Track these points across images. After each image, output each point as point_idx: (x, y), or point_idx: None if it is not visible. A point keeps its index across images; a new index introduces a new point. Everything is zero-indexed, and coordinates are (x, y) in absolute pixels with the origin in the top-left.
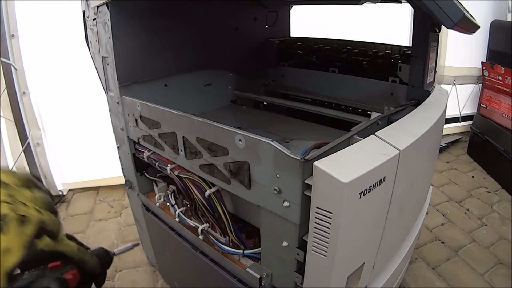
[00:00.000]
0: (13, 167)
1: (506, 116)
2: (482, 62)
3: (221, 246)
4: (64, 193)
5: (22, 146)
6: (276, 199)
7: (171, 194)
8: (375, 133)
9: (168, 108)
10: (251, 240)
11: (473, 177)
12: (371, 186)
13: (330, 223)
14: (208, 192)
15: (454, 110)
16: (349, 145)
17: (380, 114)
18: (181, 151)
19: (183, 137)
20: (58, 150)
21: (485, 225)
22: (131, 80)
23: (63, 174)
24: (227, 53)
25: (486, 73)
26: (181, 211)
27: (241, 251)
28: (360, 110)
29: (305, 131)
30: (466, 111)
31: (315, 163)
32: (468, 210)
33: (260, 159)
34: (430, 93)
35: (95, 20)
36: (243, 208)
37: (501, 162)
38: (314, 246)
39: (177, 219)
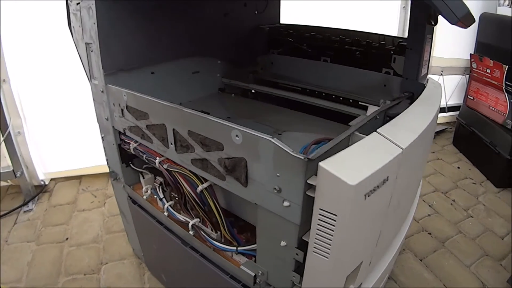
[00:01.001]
0: None
1: (493, 108)
2: (470, 54)
3: (214, 243)
4: (46, 183)
5: (3, 135)
6: (275, 198)
7: (159, 187)
8: (377, 130)
9: (156, 98)
10: (243, 234)
11: (458, 168)
12: (375, 187)
13: (334, 225)
14: (200, 187)
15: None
16: (350, 142)
17: (377, 107)
18: (171, 144)
19: (174, 129)
20: (39, 139)
21: (471, 216)
22: (116, 68)
23: (45, 163)
24: (216, 40)
25: (474, 65)
26: (169, 205)
27: (235, 248)
28: (351, 101)
29: (297, 122)
30: (452, 102)
31: (320, 163)
32: (454, 201)
33: (258, 156)
34: (425, 86)
35: (78, 5)
36: (236, 203)
37: (487, 154)
38: (316, 248)
39: (165, 213)
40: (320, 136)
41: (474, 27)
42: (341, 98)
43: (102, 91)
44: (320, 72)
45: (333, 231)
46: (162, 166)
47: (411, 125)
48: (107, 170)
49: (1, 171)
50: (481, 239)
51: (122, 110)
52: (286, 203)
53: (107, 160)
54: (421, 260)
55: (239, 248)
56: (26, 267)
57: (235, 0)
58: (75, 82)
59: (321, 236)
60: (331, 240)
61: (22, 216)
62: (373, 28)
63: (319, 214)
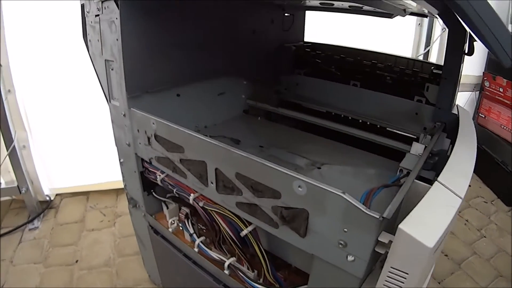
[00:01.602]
0: None
1: (504, 127)
2: (483, 72)
3: (254, 285)
4: (52, 198)
5: (7, 149)
6: (338, 252)
7: (188, 222)
8: (438, 179)
9: (192, 131)
10: (279, 272)
11: (469, 185)
12: (440, 241)
13: (403, 283)
14: (245, 231)
15: None
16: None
17: (422, 145)
18: (212, 183)
19: (216, 169)
20: (45, 153)
21: (484, 236)
22: (141, 90)
23: (51, 178)
24: (243, 59)
25: (487, 84)
26: (201, 241)
27: None
28: (386, 130)
29: (333, 153)
30: None
31: (400, 226)
32: (467, 221)
33: (324, 210)
34: (457, 116)
35: (97, 17)
36: (282, 247)
37: (498, 172)
38: None
39: (196, 249)
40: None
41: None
42: (378, 126)
43: (124, 115)
44: (348, 97)
45: (401, 287)
46: (198, 203)
47: (463, 169)
48: (115, 186)
49: (5, 186)
50: (495, 260)
51: (149, 138)
52: (350, 258)
53: (125, 185)
54: (439, 283)
55: None
56: None
57: (264, 16)
58: (84, 94)
59: None
60: None
61: (28, 234)
62: (388, 45)
63: (389, 272)
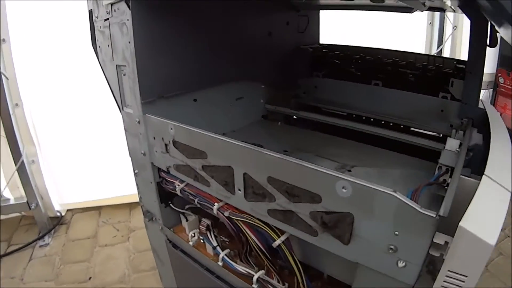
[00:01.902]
0: (5, 188)
1: None
2: (497, 69)
3: None
4: (63, 214)
5: (16, 164)
6: (387, 258)
7: (211, 234)
8: (486, 173)
9: (216, 134)
10: (312, 283)
11: None
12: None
13: (461, 286)
14: (278, 241)
15: None
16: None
17: (458, 140)
18: (239, 190)
19: (245, 174)
20: (55, 167)
21: (508, 236)
22: (155, 95)
23: (61, 194)
24: (260, 62)
25: (501, 80)
26: (226, 254)
27: None
28: (414, 130)
29: (361, 155)
30: None
31: (461, 224)
32: None
33: (372, 212)
34: (485, 111)
35: (107, 21)
36: (317, 256)
37: None
38: None
39: (220, 263)
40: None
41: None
42: (401, 126)
43: (138, 122)
44: (370, 97)
45: None
46: (222, 213)
47: (505, 162)
48: (128, 200)
49: (15, 202)
50: None
51: (166, 145)
52: (401, 264)
53: (140, 198)
54: None
55: None
56: None
57: (279, 19)
58: (93, 105)
59: None
60: None
61: (38, 251)
62: (400, 46)
63: (446, 276)
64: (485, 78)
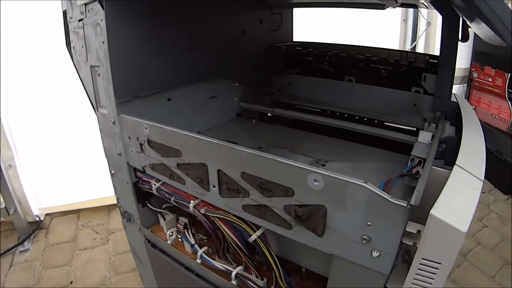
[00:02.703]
0: None
1: (496, 116)
2: (471, 63)
3: None
4: (42, 219)
5: None
6: (361, 248)
7: (188, 232)
8: (457, 163)
9: (191, 132)
10: (291, 277)
11: None
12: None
13: (435, 274)
14: (254, 236)
15: None
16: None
17: (430, 133)
18: (214, 187)
19: (219, 170)
20: (32, 171)
21: (486, 226)
22: (130, 95)
23: (39, 198)
24: (233, 60)
25: (475, 75)
26: (204, 252)
27: None
28: (387, 124)
29: (335, 150)
30: None
31: (432, 212)
32: None
33: (344, 204)
34: (457, 104)
35: (81, 22)
36: (292, 249)
37: (493, 162)
38: None
39: (198, 261)
40: (366, 163)
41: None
42: (375, 121)
43: (113, 122)
44: (344, 93)
45: (433, 279)
46: (198, 210)
47: (476, 151)
48: (106, 202)
49: None
50: (500, 249)
51: (141, 144)
52: (375, 253)
53: (117, 199)
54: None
55: None
56: None
57: (252, 17)
58: (69, 108)
59: (418, 285)
60: None
61: (18, 257)
62: (374, 42)
63: (420, 264)
64: (460, 73)
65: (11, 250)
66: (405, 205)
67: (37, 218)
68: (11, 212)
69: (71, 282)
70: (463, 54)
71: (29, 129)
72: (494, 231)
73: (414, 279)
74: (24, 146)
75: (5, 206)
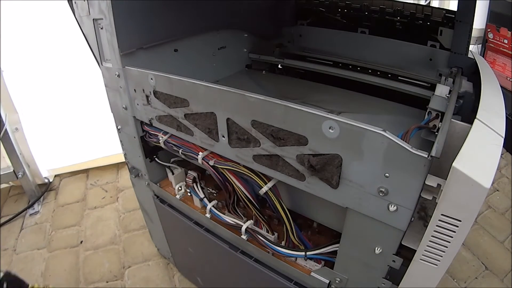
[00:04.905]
0: None
1: (510, 79)
2: (486, 24)
3: (278, 249)
4: (51, 180)
5: None
6: (378, 202)
7: (197, 186)
8: (478, 117)
9: (199, 80)
10: (302, 232)
11: None
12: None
13: (455, 232)
14: (265, 188)
15: None
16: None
17: (447, 87)
18: (223, 137)
19: (228, 119)
20: (39, 133)
21: (497, 190)
22: (135, 46)
23: (48, 159)
24: (242, 10)
25: (491, 36)
26: (213, 206)
27: (303, 253)
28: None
29: (347, 101)
30: None
31: (454, 164)
32: None
33: (361, 153)
34: (474, 61)
35: None
36: (305, 203)
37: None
38: (425, 255)
39: (207, 215)
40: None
41: None
42: (389, 75)
43: (118, 75)
44: (357, 45)
45: (452, 237)
46: (207, 162)
47: (496, 108)
48: (115, 160)
49: (1, 172)
50: (510, 213)
51: (147, 96)
52: (392, 207)
53: (125, 154)
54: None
55: (308, 253)
56: (40, 278)
57: None
58: (73, 65)
59: (436, 243)
60: (446, 247)
61: (29, 219)
62: None
63: (439, 221)
64: (474, 33)
65: (21, 214)
66: (426, 156)
67: (46, 180)
68: (19, 176)
69: (81, 242)
70: (478, 14)
71: (34, 91)
72: (505, 195)
73: (432, 236)
74: (29, 108)
75: (14, 170)
